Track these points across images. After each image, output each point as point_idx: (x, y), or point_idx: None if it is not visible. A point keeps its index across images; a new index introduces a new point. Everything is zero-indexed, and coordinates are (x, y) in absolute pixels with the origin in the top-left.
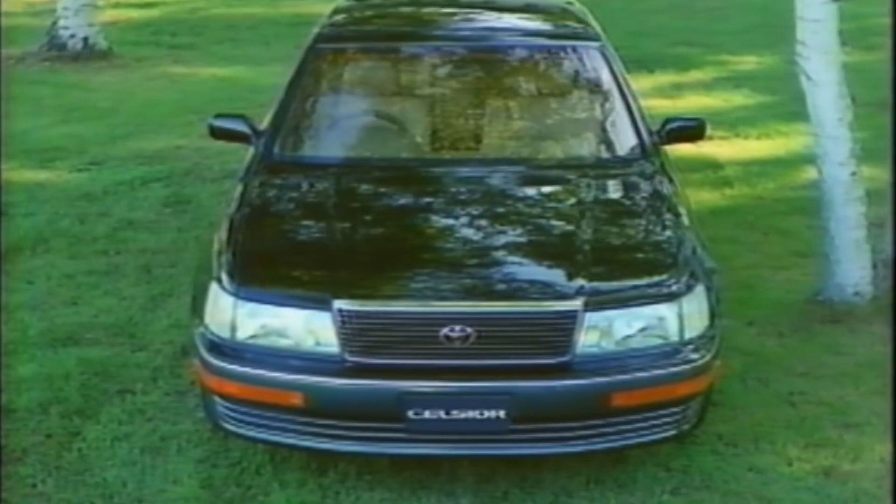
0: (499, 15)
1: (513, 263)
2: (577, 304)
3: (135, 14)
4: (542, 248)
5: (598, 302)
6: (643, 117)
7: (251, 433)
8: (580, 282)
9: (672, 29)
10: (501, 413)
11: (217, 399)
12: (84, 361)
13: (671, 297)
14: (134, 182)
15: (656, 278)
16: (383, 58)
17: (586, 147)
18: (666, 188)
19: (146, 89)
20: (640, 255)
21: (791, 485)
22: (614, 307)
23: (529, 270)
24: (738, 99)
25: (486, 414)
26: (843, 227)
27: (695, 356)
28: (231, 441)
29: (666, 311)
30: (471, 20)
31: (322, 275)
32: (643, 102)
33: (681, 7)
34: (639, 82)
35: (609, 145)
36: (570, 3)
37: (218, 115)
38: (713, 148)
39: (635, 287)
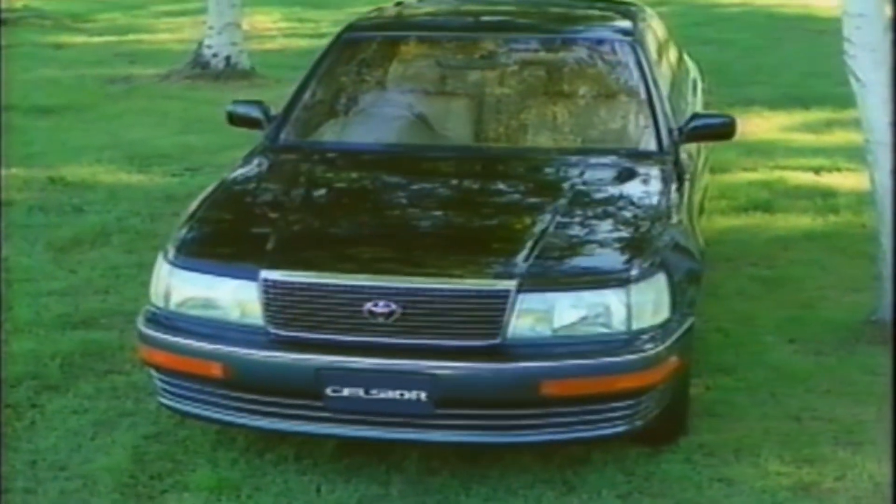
0: (531, 8)
1: (453, 242)
2: (510, 284)
3: (304, 43)
4: (492, 230)
5: (534, 283)
6: (665, 114)
7: (181, 406)
8: (517, 261)
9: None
10: (423, 395)
11: (153, 372)
12: (85, 342)
13: (618, 284)
14: None
15: (604, 264)
16: (400, 49)
17: (591, 138)
18: (668, 184)
19: (272, 106)
20: (596, 242)
21: (757, 498)
22: (553, 290)
23: (468, 249)
24: None
25: (407, 395)
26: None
27: (642, 348)
28: (188, 421)
29: (611, 297)
30: (500, 13)
31: (258, 247)
32: (791, 136)
33: None
34: (792, 118)
35: (618, 138)
36: (633, 4)
37: (236, 101)
38: (837, 179)
39: (578, 271)
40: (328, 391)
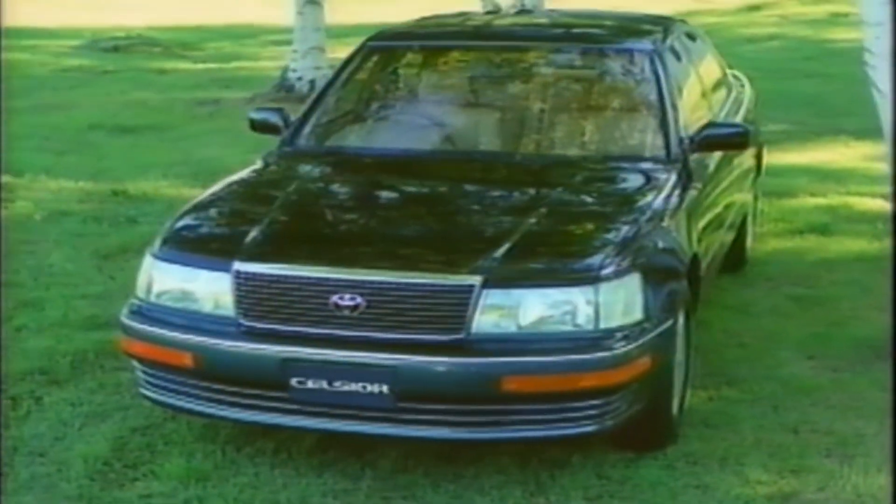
0: (560, 19)
1: (428, 238)
2: (474, 279)
3: None
4: (469, 229)
5: (500, 279)
6: (677, 123)
7: (158, 396)
8: (485, 257)
9: None
10: (385, 388)
11: (135, 364)
12: (102, 342)
13: (587, 282)
14: None
15: (575, 262)
16: (417, 58)
17: (599, 145)
18: (668, 190)
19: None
20: (573, 242)
21: None
22: (519, 286)
23: (440, 245)
24: None
25: (370, 388)
26: None
27: (609, 346)
28: (179, 416)
29: (579, 295)
30: (526, 25)
31: (235, 241)
32: (872, 164)
33: None
34: (877, 148)
35: (627, 144)
36: (668, 18)
37: (257, 108)
38: None
39: (547, 268)
40: (293, 382)
